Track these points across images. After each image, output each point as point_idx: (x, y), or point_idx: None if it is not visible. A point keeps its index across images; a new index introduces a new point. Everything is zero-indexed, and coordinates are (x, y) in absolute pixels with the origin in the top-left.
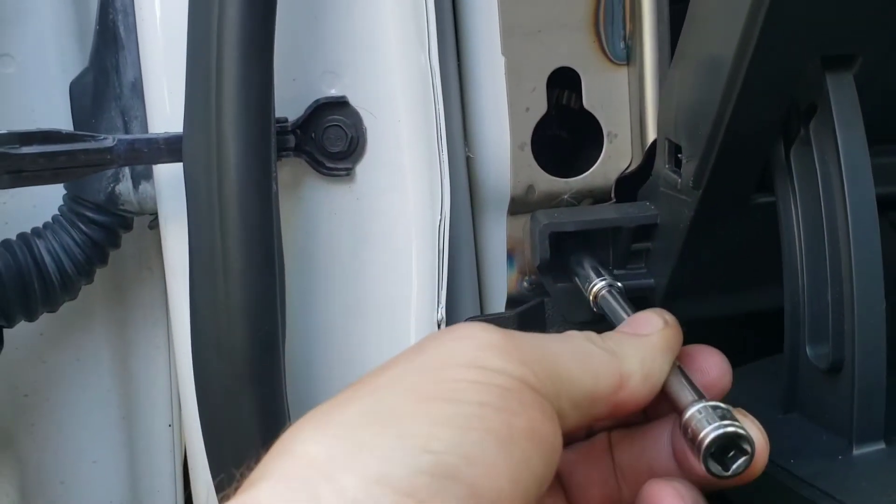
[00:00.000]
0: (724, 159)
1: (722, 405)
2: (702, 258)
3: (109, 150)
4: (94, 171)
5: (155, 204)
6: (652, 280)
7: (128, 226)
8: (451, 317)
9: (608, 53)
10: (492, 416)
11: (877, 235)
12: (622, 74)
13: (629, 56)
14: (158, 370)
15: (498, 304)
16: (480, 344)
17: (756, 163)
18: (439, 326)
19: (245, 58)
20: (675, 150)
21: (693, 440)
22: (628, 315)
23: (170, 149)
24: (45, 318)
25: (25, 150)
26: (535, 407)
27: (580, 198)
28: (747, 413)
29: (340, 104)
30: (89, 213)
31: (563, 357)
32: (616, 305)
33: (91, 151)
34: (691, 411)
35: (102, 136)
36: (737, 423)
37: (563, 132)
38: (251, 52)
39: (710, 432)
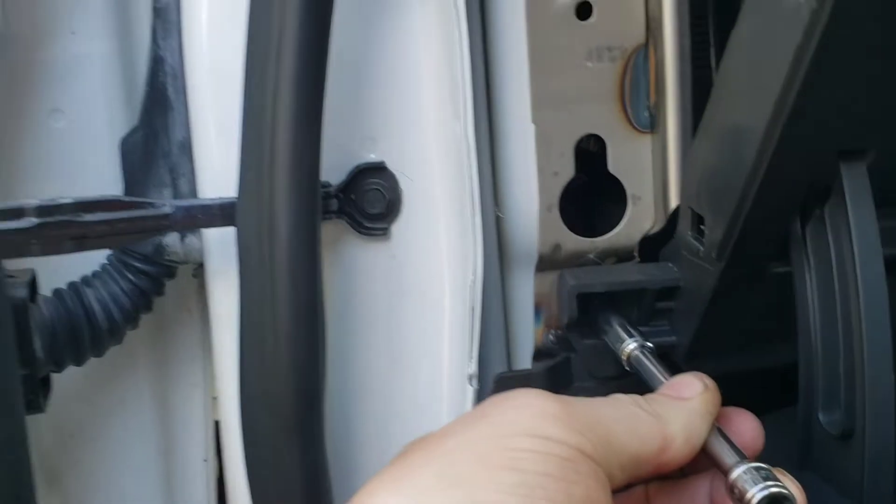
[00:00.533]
0: (747, 235)
1: (764, 466)
2: (722, 320)
3: (167, 216)
4: (151, 235)
5: (199, 255)
6: (674, 338)
7: (172, 275)
8: (481, 368)
9: (633, 122)
10: (552, 485)
11: (886, 313)
12: (646, 142)
13: (653, 124)
14: (195, 406)
15: (524, 356)
16: (540, 413)
17: (776, 239)
18: (471, 380)
19: (298, 128)
20: (698, 219)
21: (741, 499)
22: (663, 376)
23: (223, 214)
24: (90, 361)
25: (88, 217)
26: (590, 475)
27: (604, 256)
28: (787, 473)
29: (379, 168)
30: (137, 264)
31: (613, 422)
32: (650, 366)
33: (149, 218)
34: (737, 472)
35: (160, 202)
36: (780, 484)
37: (583, 175)
38: (303, 122)
39: (756, 493)
